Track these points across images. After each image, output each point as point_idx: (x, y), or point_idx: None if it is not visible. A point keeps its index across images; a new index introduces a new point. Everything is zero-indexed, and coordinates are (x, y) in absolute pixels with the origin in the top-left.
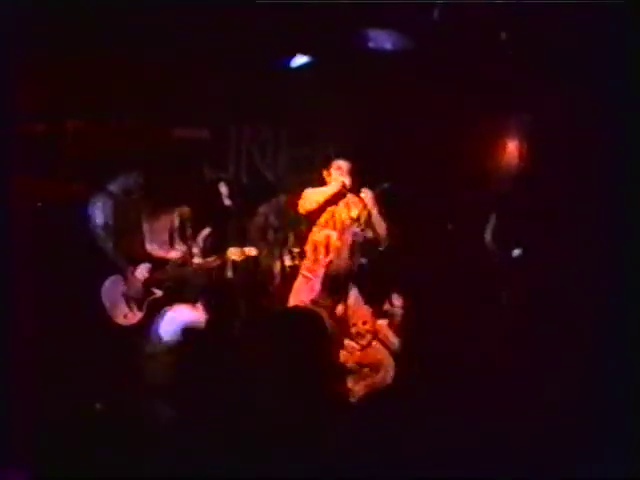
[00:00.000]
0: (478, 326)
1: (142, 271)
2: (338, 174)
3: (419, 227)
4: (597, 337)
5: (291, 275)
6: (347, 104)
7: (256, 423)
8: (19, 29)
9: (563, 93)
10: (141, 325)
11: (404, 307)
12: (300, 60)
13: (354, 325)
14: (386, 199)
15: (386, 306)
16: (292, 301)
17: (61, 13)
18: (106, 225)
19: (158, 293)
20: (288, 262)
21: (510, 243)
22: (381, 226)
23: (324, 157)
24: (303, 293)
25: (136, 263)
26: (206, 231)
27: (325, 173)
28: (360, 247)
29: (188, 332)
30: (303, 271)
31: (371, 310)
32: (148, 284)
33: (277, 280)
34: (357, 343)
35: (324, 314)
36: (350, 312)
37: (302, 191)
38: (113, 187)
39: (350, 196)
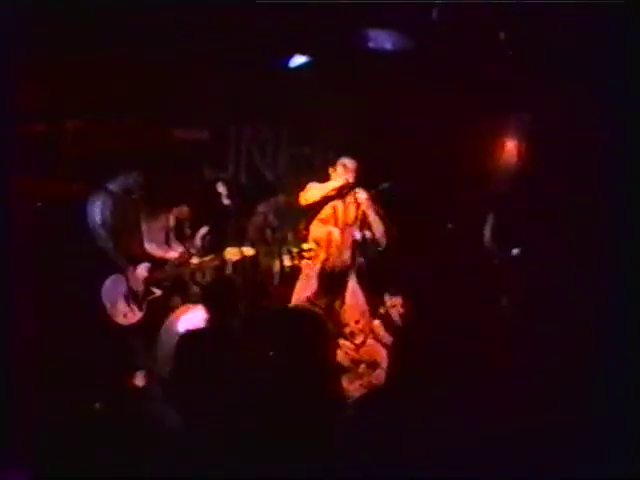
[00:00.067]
0: (477, 326)
1: (142, 270)
2: (343, 172)
3: (419, 227)
4: (597, 337)
5: (290, 275)
6: (347, 104)
7: (256, 423)
8: (19, 29)
9: (563, 93)
10: (141, 324)
11: (403, 306)
12: (300, 60)
13: (347, 325)
14: (386, 199)
15: (384, 306)
16: (294, 299)
17: (61, 13)
18: (106, 225)
19: (158, 293)
20: (287, 262)
21: (510, 243)
22: (378, 227)
23: (330, 154)
24: (302, 291)
25: (136, 262)
26: (204, 230)
27: (331, 170)
28: (359, 247)
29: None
30: (305, 268)
31: (363, 309)
32: (148, 283)
33: (276, 280)
34: (351, 342)
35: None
36: (343, 311)
37: (302, 191)
38: (113, 187)
39: (352, 195)
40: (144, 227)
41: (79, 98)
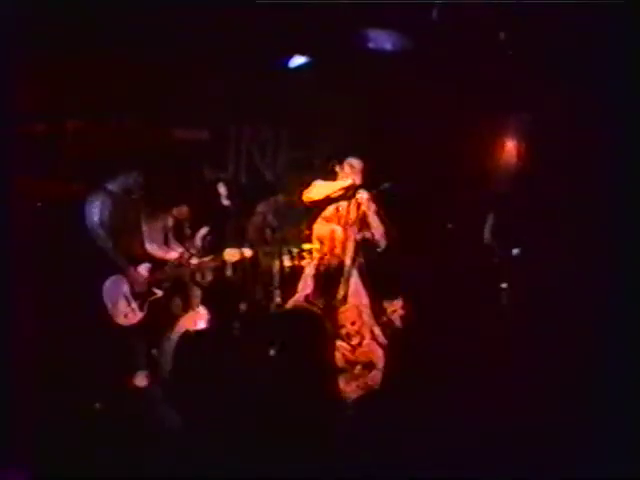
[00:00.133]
0: (477, 326)
1: (142, 271)
2: (350, 172)
3: (419, 227)
4: (597, 337)
5: (291, 275)
6: (347, 104)
7: (256, 423)
8: (19, 29)
9: (563, 93)
10: (141, 325)
11: (403, 308)
12: (300, 60)
13: (343, 326)
14: (386, 199)
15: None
16: (293, 298)
17: (61, 13)
18: (106, 225)
19: (159, 293)
20: (287, 262)
21: (510, 243)
22: (378, 227)
23: (330, 154)
24: (302, 290)
25: (136, 263)
26: (204, 231)
27: (338, 169)
28: (361, 247)
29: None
30: (305, 268)
31: (361, 310)
32: (148, 284)
33: (276, 280)
34: (348, 344)
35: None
36: (341, 312)
37: (303, 190)
38: (113, 187)
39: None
40: (144, 227)
41: (79, 98)
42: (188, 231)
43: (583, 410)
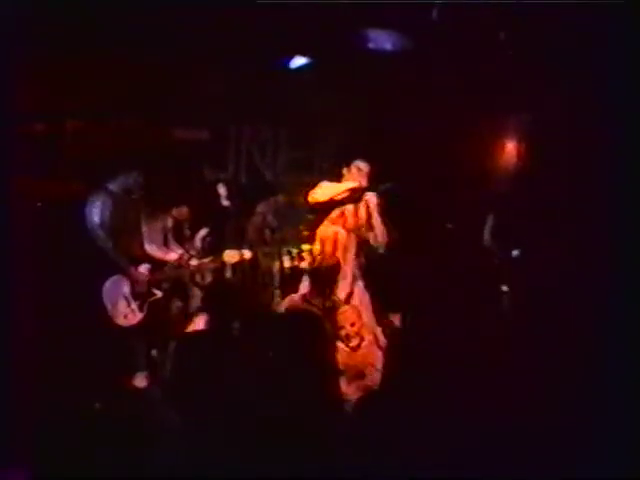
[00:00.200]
0: (477, 326)
1: (142, 271)
2: (357, 174)
3: (419, 227)
4: (597, 337)
5: (290, 276)
6: (347, 104)
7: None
8: (19, 29)
9: (563, 93)
10: (141, 326)
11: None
12: (300, 60)
13: (343, 327)
14: (385, 200)
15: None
16: (290, 298)
17: (61, 13)
18: (106, 225)
19: (158, 294)
20: (287, 263)
21: (510, 243)
22: (382, 231)
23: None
24: (302, 290)
25: (136, 263)
26: (203, 232)
27: (345, 171)
28: (364, 249)
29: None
30: (305, 267)
31: (361, 312)
32: (148, 284)
33: (276, 280)
34: (347, 345)
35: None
36: (340, 313)
37: (304, 191)
38: (113, 187)
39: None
40: (144, 228)
41: (79, 98)
42: (188, 232)
43: (583, 410)
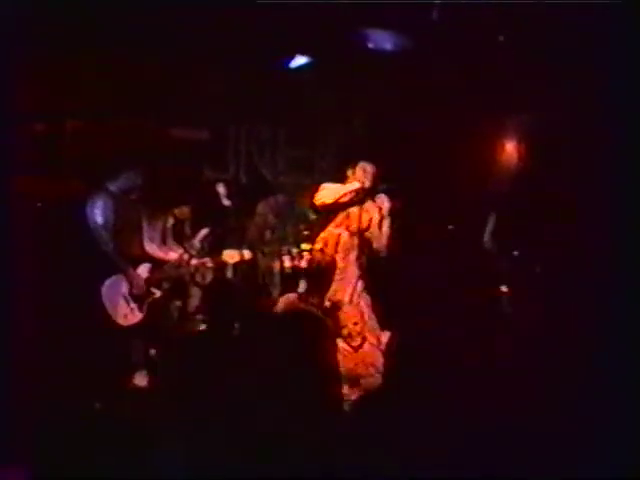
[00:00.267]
0: (478, 326)
1: (142, 271)
2: (362, 175)
3: (419, 227)
4: (598, 337)
5: (290, 275)
6: (347, 104)
7: (256, 423)
8: (19, 29)
9: (564, 93)
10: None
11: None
12: (300, 60)
13: (345, 326)
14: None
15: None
16: (287, 297)
17: (61, 13)
18: (106, 225)
19: (158, 293)
20: (287, 263)
21: (511, 243)
22: (388, 234)
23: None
24: (299, 290)
25: (136, 263)
26: (204, 231)
27: (349, 172)
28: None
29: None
30: (306, 267)
31: (363, 312)
32: (148, 284)
33: (276, 280)
34: (349, 345)
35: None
36: (343, 312)
37: (301, 191)
38: (113, 187)
39: (368, 200)
40: (144, 228)
41: (79, 98)
42: (188, 231)
43: (584, 410)
